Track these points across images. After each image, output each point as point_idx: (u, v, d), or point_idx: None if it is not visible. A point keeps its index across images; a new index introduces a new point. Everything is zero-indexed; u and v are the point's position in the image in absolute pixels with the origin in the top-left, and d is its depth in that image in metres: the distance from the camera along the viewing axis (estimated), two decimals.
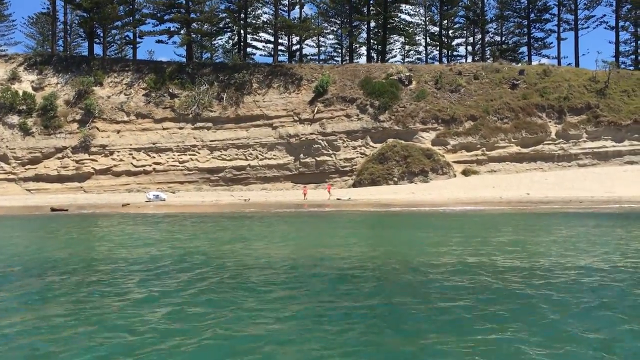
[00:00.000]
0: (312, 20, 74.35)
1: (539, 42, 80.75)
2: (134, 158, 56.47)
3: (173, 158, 56.73)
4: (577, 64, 71.99)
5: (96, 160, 56.05)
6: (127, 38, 74.16)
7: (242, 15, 68.53)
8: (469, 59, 79.56)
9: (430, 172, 52.99)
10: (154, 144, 56.93)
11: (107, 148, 56.43)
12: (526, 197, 42.92)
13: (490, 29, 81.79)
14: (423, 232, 23.49)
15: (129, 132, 57.47)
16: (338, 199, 45.72)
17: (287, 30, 69.69)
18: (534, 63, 71.33)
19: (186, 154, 56.87)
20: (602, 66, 62.41)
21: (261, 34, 73.80)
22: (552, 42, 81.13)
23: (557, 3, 75.16)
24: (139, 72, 61.58)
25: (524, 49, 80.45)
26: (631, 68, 73.11)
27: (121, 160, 56.28)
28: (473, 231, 23.75)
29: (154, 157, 56.57)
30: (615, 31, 75.88)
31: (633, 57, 79.29)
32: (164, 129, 57.75)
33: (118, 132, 57.41)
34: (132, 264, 15.55)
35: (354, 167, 55.65)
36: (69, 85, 59.94)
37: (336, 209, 39.15)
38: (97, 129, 57.16)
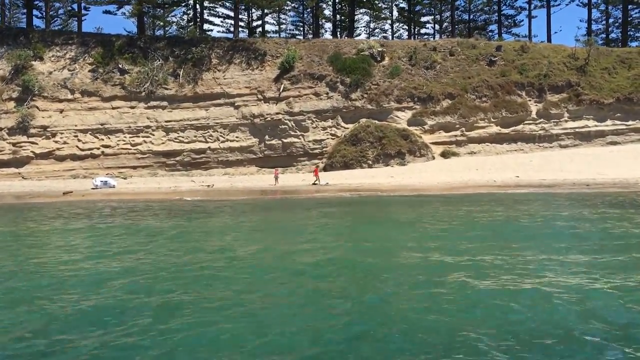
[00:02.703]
0: None
1: (509, 20, 78.21)
2: (79, 140, 50.57)
3: (124, 140, 51.12)
4: (549, 42, 69.25)
5: (36, 143, 49.90)
6: (72, 10, 67.70)
7: None
8: (437, 37, 76.12)
9: (408, 154, 49.10)
10: (102, 124, 51.15)
11: (48, 129, 50.31)
12: (520, 180, 39.44)
13: (459, 6, 78.47)
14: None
15: (73, 112, 51.44)
16: (314, 183, 41.44)
17: (247, 2, 64.18)
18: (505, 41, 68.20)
19: (139, 136, 51.34)
20: (578, 44, 59.53)
21: (219, 9, 68.53)
22: (522, 20, 78.50)
23: None
24: (85, 45, 55.28)
25: (494, 27, 77.72)
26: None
27: (65, 143, 50.31)
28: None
29: (103, 140, 50.82)
30: (588, 8, 73.72)
31: (604, 35, 77.55)
32: (113, 108, 51.96)
33: (61, 111, 51.31)
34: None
35: (324, 149, 51.28)
36: (4, 60, 53.23)
37: (320, 194, 34.76)
38: (37, 108, 50.93)
